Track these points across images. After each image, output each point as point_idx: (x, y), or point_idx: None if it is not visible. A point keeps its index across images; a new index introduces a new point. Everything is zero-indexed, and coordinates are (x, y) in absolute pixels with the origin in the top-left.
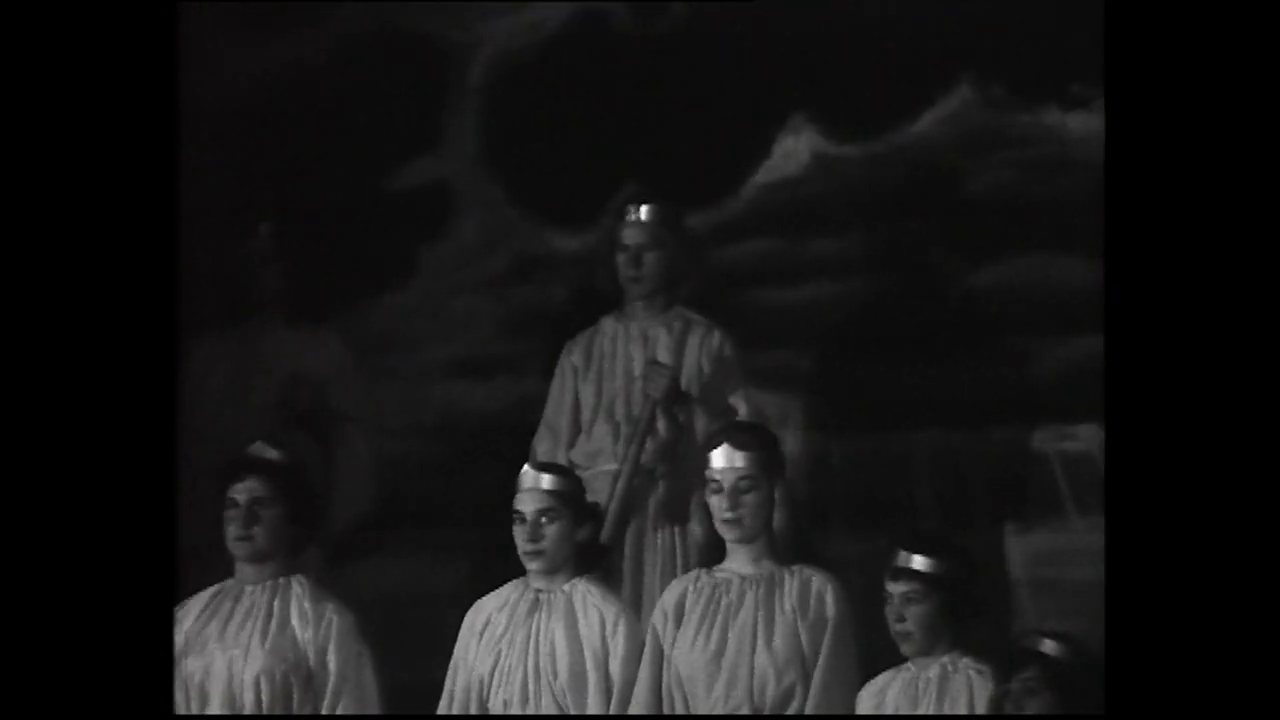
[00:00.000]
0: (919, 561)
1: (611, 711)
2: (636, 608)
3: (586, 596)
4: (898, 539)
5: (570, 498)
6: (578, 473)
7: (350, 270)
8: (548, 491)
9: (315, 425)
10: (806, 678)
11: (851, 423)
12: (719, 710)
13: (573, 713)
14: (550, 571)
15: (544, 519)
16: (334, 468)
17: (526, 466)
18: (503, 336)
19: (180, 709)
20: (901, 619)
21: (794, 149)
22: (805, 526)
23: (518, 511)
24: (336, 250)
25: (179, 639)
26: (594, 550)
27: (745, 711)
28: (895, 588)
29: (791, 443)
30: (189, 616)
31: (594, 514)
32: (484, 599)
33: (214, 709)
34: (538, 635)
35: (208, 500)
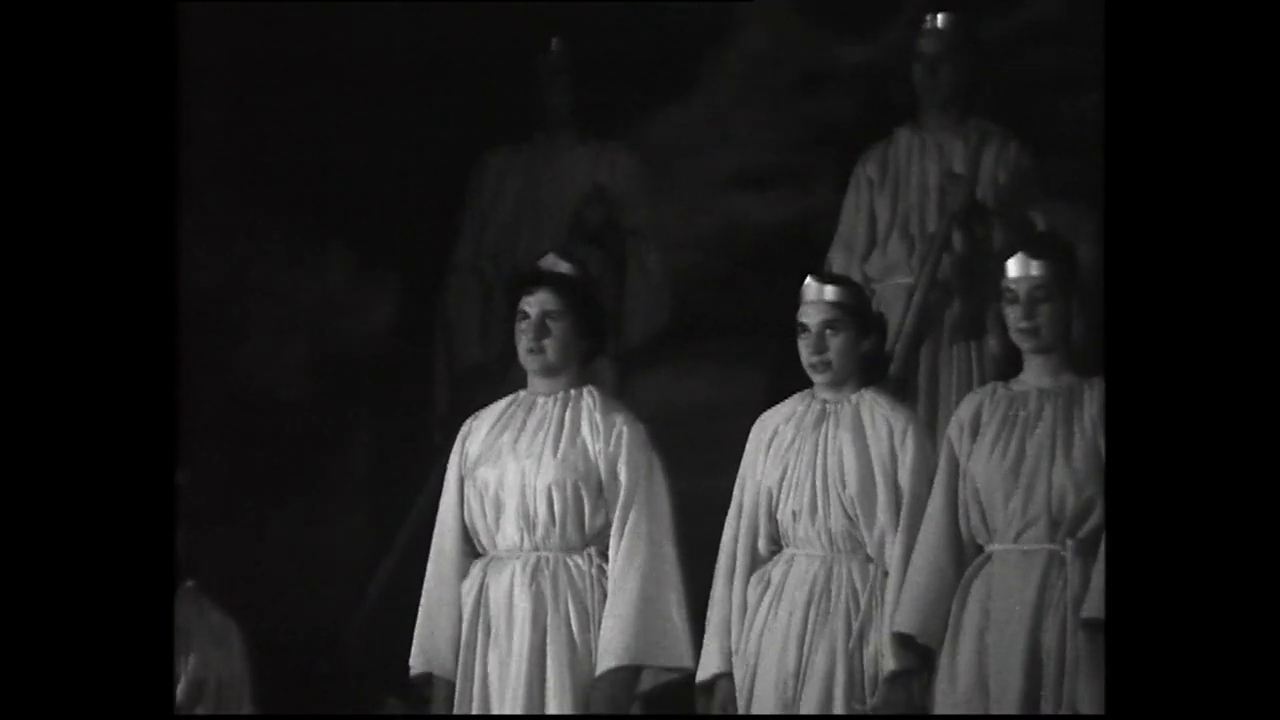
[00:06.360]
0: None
1: (903, 522)
2: (932, 424)
3: (874, 406)
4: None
5: (854, 309)
6: (873, 286)
7: (635, 83)
8: (831, 303)
9: (607, 239)
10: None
11: None
12: (1016, 523)
13: (863, 521)
14: (836, 383)
15: (828, 331)
16: (626, 281)
17: (809, 279)
18: (787, 148)
19: (476, 516)
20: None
21: None
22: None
23: (802, 324)
24: (622, 63)
25: (473, 449)
26: (880, 361)
27: (1044, 524)
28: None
29: (1084, 252)
30: (484, 427)
31: (879, 325)
32: (770, 411)
33: (509, 517)
34: (825, 446)
35: (502, 313)
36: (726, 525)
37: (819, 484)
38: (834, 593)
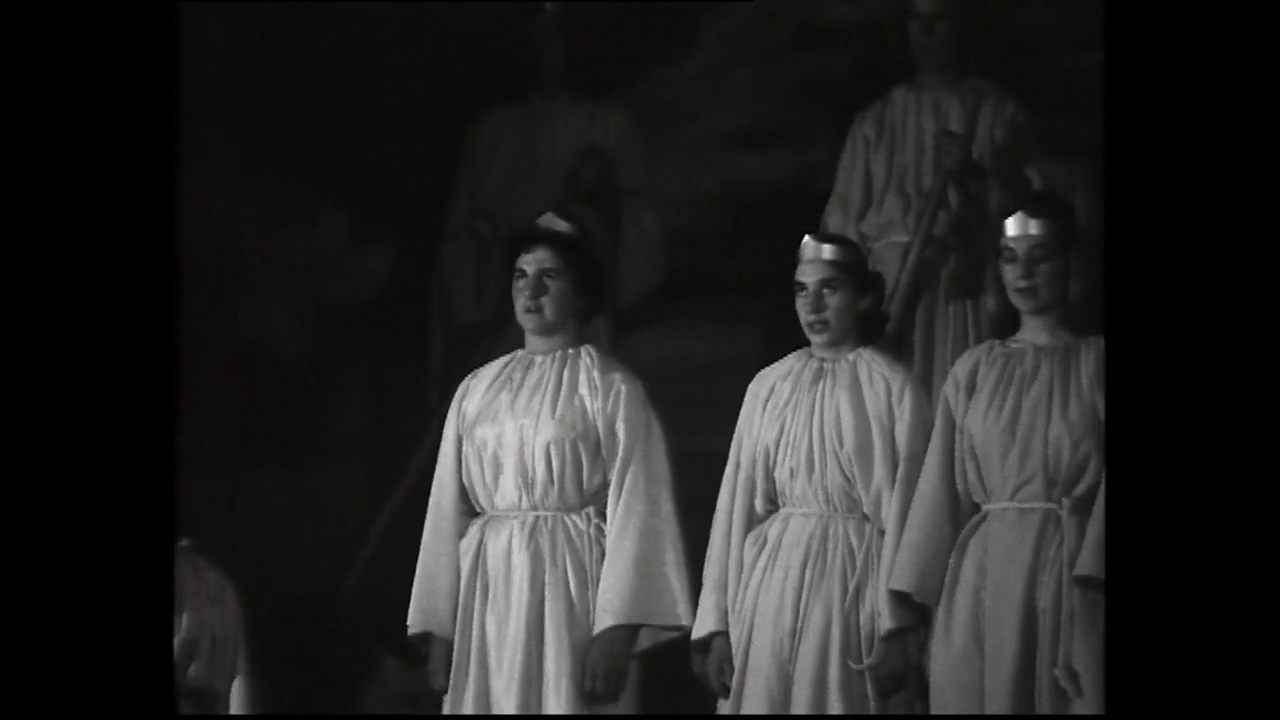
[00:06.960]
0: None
1: (899, 481)
2: (928, 381)
3: (871, 365)
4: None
5: (852, 268)
6: (869, 245)
7: (630, 42)
8: (829, 262)
9: (602, 199)
10: (1103, 448)
11: None
12: (1012, 481)
13: (859, 479)
14: (834, 342)
15: (826, 289)
16: (621, 241)
17: (808, 237)
18: (784, 106)
19: (474, 475)
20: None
21: None
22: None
23: (800, 282)
24: (617, 22)
25: (471, 408)
26: (878, 320)
27: (1040, 481)
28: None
29: (1081, 210)
30: (481, 386)
31: (877, 283)
32: (767, 369)
33: (507, 476)
34: (822, 404)
35: (497, 272)
36: (723, 483)
37: (816, 442)
38: (830, 551)
